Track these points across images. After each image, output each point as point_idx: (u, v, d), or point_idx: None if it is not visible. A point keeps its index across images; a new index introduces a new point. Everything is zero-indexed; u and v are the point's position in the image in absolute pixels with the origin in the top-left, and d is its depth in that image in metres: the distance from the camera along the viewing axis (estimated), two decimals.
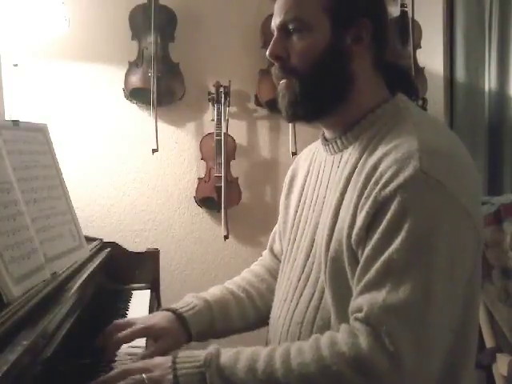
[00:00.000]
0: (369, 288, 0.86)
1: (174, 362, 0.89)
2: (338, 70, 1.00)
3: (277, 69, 1.03)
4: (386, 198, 0.88)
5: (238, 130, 2.63)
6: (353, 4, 0.99)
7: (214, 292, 1.23)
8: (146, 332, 1.10)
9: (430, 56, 2.71)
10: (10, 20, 2.12)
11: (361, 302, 0.86)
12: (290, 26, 0.99)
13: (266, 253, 1.38)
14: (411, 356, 0.81)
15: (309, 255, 1.05)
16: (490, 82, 2.68)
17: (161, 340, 1.07)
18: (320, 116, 1.05)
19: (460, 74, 2.73)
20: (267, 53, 1.02)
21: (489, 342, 1.96)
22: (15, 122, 1.24)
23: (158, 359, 0.93)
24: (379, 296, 0.84)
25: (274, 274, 1.29)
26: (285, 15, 0.99)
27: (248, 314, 1.22)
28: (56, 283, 1.14)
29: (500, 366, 1.91)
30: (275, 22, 1.02)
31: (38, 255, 1.09)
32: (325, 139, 1.10)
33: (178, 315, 1.11)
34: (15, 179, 1.11)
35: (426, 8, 2.67)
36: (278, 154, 2.70)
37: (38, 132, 1.35)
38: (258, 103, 2.64)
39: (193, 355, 0.90)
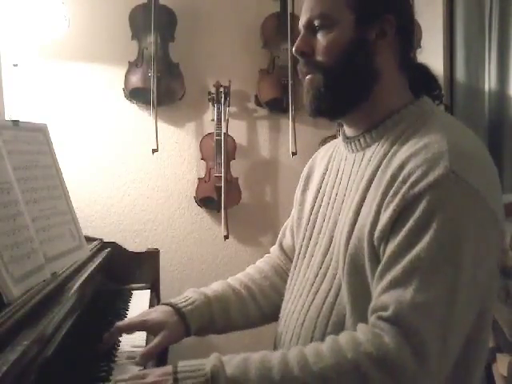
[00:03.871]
0: (394, 285, 0.85)
1: (175, 380, 0.84)
2: (363, 65, 1.00)
3: (302, 65, 1.05)
4: (414, 196, 0.87)
5: (238, 130, 2.63)
6: (376, 0, 1.01)
7: (214, 288, 1.22)
8: (144, 324, 1.10)
9: (430, 56, 2.70)
10: (10, 20, 2.12)
11: (386, 300, 0.85)
12: (316, 23, 1.01)
13: (274, 248, 1.36)
14: (437, 356, 0.81)
15: (327, 252, 1.05)
16: (490, 81, 2.68)
17: (159, 335, 1.07)
18: (344, 112, 1.05)
19: (460, 74, 2.73)
20: (293, 49, 1.04)
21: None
22: (15, 122, 1.24)
23: (155, 370, 0.88)
24: (406, 294, 0.82)
25: (279, 271, 1.29)
26: (311, 12, 1.01)
27: (248, 311, 1.21)
28: (56, 283, 1.14)
29: (500, 366, 1.91)
30: (301, 21, 1.04)
31: (38, 255, 1.09)
32: (346, 137, 1.10)
33: (177, 310, 1.12)
34: (15, 179, 1.11)
35: (426, 8, 2.67)
36: (277, 154, 2.70)
37: (38, 132, 1.35)
38: (258, 103, 2.64)
39: (195, 367, 0.85)
